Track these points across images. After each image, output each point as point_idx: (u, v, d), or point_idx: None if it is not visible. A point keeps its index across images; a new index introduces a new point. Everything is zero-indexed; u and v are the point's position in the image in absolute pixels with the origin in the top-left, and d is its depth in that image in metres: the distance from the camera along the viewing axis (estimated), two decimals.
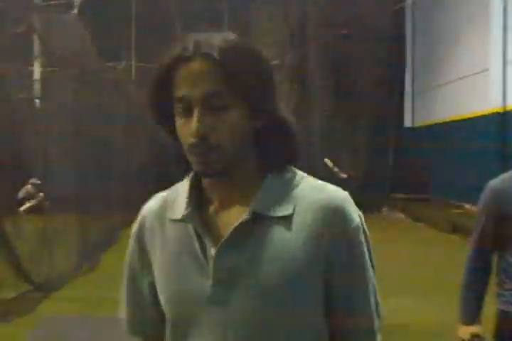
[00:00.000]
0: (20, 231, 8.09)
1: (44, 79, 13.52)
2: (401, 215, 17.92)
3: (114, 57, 14.74)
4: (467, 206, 16.39)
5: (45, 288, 7.33)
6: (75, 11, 10.37)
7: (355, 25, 15.35)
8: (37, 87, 13.76)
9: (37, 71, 14.31)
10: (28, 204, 14.59)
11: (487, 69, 15.00)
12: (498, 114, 14.52)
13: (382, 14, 16.83)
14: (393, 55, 19.57)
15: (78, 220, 9.45)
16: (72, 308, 6.87)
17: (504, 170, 12.45)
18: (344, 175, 16.26)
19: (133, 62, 17.19)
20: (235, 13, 17.68)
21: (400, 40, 20.49)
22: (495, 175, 12.51)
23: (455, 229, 14.01)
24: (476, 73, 15.88)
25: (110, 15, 15.57)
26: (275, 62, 13.71)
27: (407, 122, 20.94)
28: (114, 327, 6.10)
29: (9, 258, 6.83)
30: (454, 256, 10.37)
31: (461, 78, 16.95)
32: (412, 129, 20.71)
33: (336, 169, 10.75)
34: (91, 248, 9.47)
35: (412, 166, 19.70)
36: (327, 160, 9.58)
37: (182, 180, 1.56)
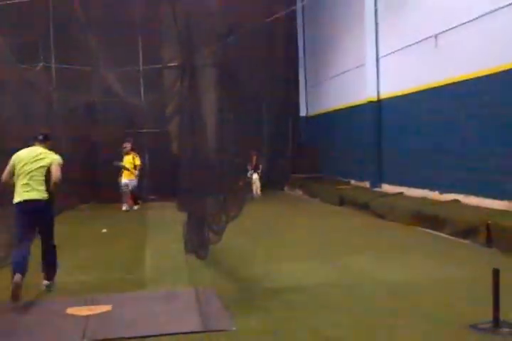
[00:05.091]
0: None
1: None
2: (300, 192, 18.16)
3: (32, 58, 13.89)
4: (352, 182, 16.78)
5: None
6: None
7: (251, 26, 15.13)
8: None
9: None
10: None
11: (363, 65, 15.26)
12: (373, 102, 14.84)
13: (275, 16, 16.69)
14: (288, 54, 19.63)
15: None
16: None
17: (379, 151, 12.57)
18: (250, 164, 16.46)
19: (52, 64, 16.27)
20: (146, 20, 17.13)
21: (293, 40, 20.58)
22: (372, 154, 12.64)
23: (342, 202, 14.27)
24: (354, 68, 16.16)
25: (27, 17, 14.69)
26: (174, 63, 13.39)
27: (302, 112, 21.09)
28: (31, 311, 5.61)
29: None
30: (343, 224, 10.97)
31: (342, 73, 17.22)
32: (307, 118, 20.94)
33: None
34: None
35: (307, 150, 20.05)
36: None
37: None
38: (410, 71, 13.19)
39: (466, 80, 10.94)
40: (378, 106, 14.92)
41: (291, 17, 19.70)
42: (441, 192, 11.96)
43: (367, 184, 15.57)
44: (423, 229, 10.27)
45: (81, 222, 12.86)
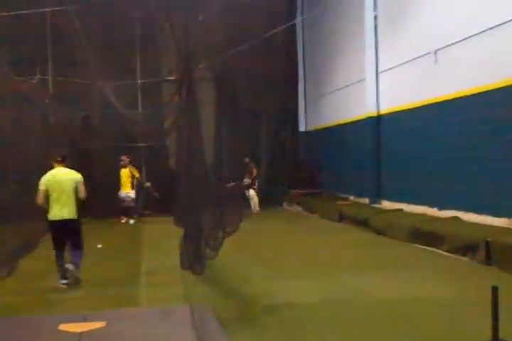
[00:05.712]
0: None
1: None
2: (298, 208, 18.14)
3: (28, 71, 13.96)
4: (351, 198, 16.77)
5: None
6: None
7: (251, 41, 15.24)
8: None
9: None
10: None
11: (363, 80, 15.35)
12: (372, 117, 14.92)
13: (275, 30, 16.83)
14: (288, 69, 19.79)
15: None
16: None
17: (379, 167, 12.58)
18: (246, 181, 16.48)
19: (49, 76, 16.35)
20: (144, 34, 17.29)
21: (293, 54, 20.68)
22: (372, 170, 12.63)
23: (341, 218, 14.28)
24: (354, 83, 16.26)
25: (24, 29, 14.81)
26: (172, 77, 13.46)
27: (302, 127, 21.13)
28: (22, 327, 5.64)
29: None
30: (342, 240, 10.95)
31: (342, 88, 17.32)
32: (306, 133, 20.99)
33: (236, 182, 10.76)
34: (7, 255, 8.84)
35: (306, 165, 20.08)
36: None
37: None
38: (410, 86, 13.28)
39: (466, 96, 11.01)
40: (378, 121, 14.99)
41: (291, 31, 19.86)
42: (440, 209, 11.97)
43: (366, 200, 15.58)
44: (422, 246, 10.27)
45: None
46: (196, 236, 7.80)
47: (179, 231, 8.54)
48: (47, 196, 7.69)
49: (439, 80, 11.98)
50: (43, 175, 7.86)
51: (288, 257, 9.70)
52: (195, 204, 8.05)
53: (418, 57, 12.75)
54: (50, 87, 16.75)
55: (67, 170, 7.95)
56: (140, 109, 17.45)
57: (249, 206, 16.76)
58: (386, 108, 14.66)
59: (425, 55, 12.40)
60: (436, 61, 12.04)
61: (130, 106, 16.24)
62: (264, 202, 17.78)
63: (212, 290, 7.20)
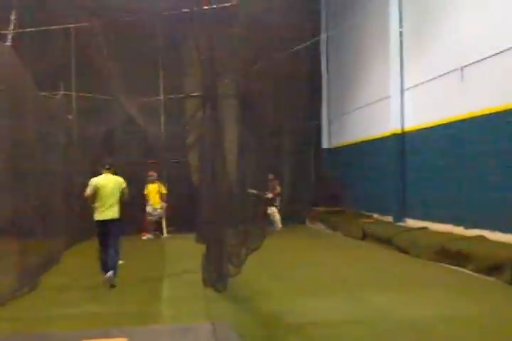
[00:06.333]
0: None
1: None
2: (321, 225, 18.10)
3: (52, 87, 14.24)
4: (375, 215, 16.70)
5: None
6: (9, 41, 10.06)
7: (275, 57, 15.38)
8: None
9: None
10: None
11: (388, 97, 15.37)
12: (397, 135, 14.90)
13: (299, 47, 16.97)
14: (311, 85, 19.85)
15: (17, 243, 8.97)
16: (8, 327, 6.48)
17: (403, 184, 12.52)
18: (269, 195, 16.48)
19: (73, 92, 16.68)
20: (168, 50, 17.56)
21: (316, 70, 20.73)
22: (396, 188, 12.56)
23: (364, 236, 14.24)
24: (378, 100, 16.27)
25: (48, 46, 15.15)
26: (195, 93, 13.62)
27: (325, 144, 21.15)
28: None
29: None
30: (366, 259, 10.95)
31: (366, 104, 17.36)
32: (329, 150, 20.99)
33: (259, 192, 10.82)
34: (30, 270, 9.01)
35: (329, 183, 20.05)
36: (251, 190, 9.67)
37: None
38: (436, 103, 13.27)
39: (492, 113, 10.97)
40: (402, 138, 14.97)
41: (315, 48, 20.00)
42: (466, 228, 11.88)
43: (390, 218, 15.51)
44: (447, 265, 10.20)
45: (96, 255, 12.91)
46: (219, 253, 7.86)
47: (201, 248, 8.62)
48: (94, 195, 9.08)
49: (465, 97, 11.95)
50: (66, 190, 8.24)
51: (310, 275, 9.69)
52: (217, 221, 8.12)
53: (444, 74, 12.76)
54: (74, 102, 17.06)
55: (114, 176, 9.40)
56: (163, 125, 17.68)
57: (271, 223, 16.80)
58: (411, 125, 14.63)
59: (451, 71, 12.41)
60: (462, 78, 12.04)
61: (153, 122, 16.49)
62: (286, 219, 17.79)
63: (234, 308, 7.21)
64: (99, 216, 9.12)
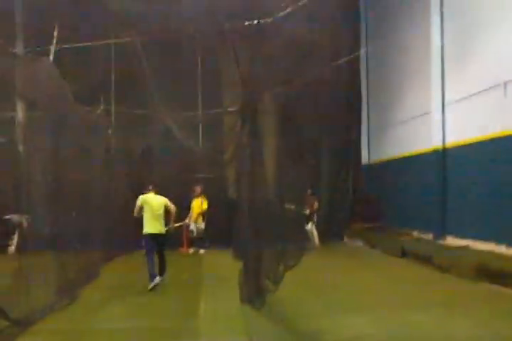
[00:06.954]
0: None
1: (25, 123, 13.38)
2: (359, 242, 17.97)
3: (92, 102, 14.60)
4: (415, 233, 16.53)
5: (23, 323, 7.05)
6: (51, 57, 10.43)
7: (314, 72, 15.48)
8: (19, 131, 13.59)
9: (18, 116, 14.16)
10: (13, 244, 14.16)
11: (429, 112, 15.31)
12: (438, 151, 14.78)
13: (338, 62, 17.04)
14: (350, 100, 19.86)
15: (57, 256, 9.19)
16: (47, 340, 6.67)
17: (444, 201, 12.40)
18: (307, 211, 16.45)
19: (112, 107, 17.05)
20: (205, 64, 17.82)
21: (356, 85, 20.69)
22: (437, 205, 12.46)
23: (404, 254, 14.09)
24: (419, 115, 16.19)
25: (88, 61, 15.57)
26: (234, 108, 13.77)
27: (364, 159, 21.07)
28: None
29: None
30: (405, 277, 10.84)
31: (406, 120, 17.30)
32: (369, 166, 20.90)
33: (297, 208, 10.90)
34: (69, 283, 9.21)
35: (368, 199, 19.93)
36: (288, 206, 9.77)
37: None
38: (478, 119, 13.15)
39: None
40: (443, 154, 14.86)
41: (355, 62, 20.00)
42: (508, 246, 11.70)
43: (430, 235, 15.35)
44: (489, 285, 10.06)
45: (134, 269, 13.09)
46: (256, 270, 7.92)
47: (238, 264, 8.68)
48: (141, 212, 10.31)
49: (509, 113, 11.84)
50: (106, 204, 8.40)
51: (349, 293, 9.66)
52: (255, 237, 8.19)
53: (486, 89, 12.67)
54: (113, 117, 17.43)
55: (157, 195, 10.57)
56: (201, 140, 17.88)
57: (308, 240, 16.75)
58: (452, 141, 14.53)
59: (494, 86, 12.32)
60: (505, 93, 11.93)
61: (191, 137, 16.69)
62: (324, 235, 17.70)
63: (272, 325, 7.24)
64: (148, 230, 10.28)
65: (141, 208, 10.34)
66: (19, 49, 15.33)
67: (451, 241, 14.24)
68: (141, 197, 10.47)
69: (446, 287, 10.24)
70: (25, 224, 11.68)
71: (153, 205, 10.34)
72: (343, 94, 18.82)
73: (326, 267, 12.92)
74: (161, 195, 10.60)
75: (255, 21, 9.36)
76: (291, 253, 7.94)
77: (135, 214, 10.43)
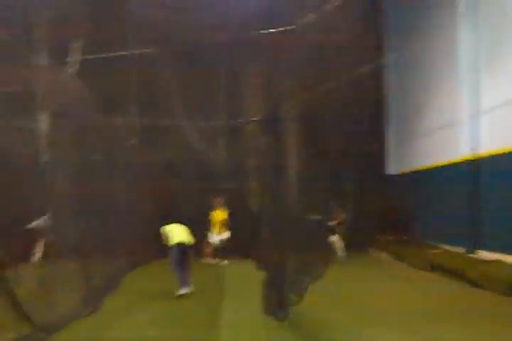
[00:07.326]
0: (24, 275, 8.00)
1: (47, 134, 13.50)
2: (386, 255, 17.76)
3: (115, 113, 14.70)
4: (444, 246, 16.22)
5: (46, 330, 7.10)
6: (74, 69, 10.56)
7: (337, 80, 15.44)
8: (41, 141, 13.72)
9: (41, 126, 14.29)
10: (38, 254, 14.26)
11: (458, 120, 15.14)
12: (469, 161, 14.53)
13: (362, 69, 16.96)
14: (374, 109, 19.72)
15: (81, 264, 9.26)
16: None
17: (475, 214, 12.20)
18: (332, 223, 16.32)
19: (135, 118, 17.14)
20: (228, 74, 17.85)
21: (381, 94, 20.58)
22: (468, 217, 12.22)
23: (433, 267, 13.84)
24: (447, 124, 16.00)
25: (111, 73, 15.70)
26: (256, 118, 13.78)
27: (390, 170, 20.88)
28: None
29: (10, 301, 6.63)
30: (433, 292, 10.63)
31: (434, 129, 17.11)
32: (395, 177, 20.69)
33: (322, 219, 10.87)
34: (93, 291, 9.25)
35: (395, 211, 19.70)
36: (313, 217, 9.71)
37: None
38: (510, 127, 12.92)
39: None
40: (474, 164, 14.57)
41: (380, 70, 19.88)
42: None
43: (461, 249, 15.06)
44: None
45: (155, 278, 13.08)
46: (280, 281, 7.83)
47: (261, 275, 8.61)
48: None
49: None
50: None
51: (375, 306, 9.47)
52: (279, 248, 8.12)
53: None
54: (136, 127, 17.50)
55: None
56: (223, 150, 17.88)
57: (333, 252, 16.60)
58: (484, 150, 14.24)
59: None
60: None
61: (213, 147, 16.72)
62: (349, 248, 17.55)
63: (296, 337, 7.14)
64: (178, 238, 10.74)
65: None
66: (43, 60, 15.50)
67: (484, 254, 13.93)
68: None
69: (476, 302, 10.00)
70: (46, 228, 11.78)
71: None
72: (367, 102, 18.68)
73: (352, 279, 12.75)
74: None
75: (277, 30, 9.38)
76: (316, 264, 7.85)
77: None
